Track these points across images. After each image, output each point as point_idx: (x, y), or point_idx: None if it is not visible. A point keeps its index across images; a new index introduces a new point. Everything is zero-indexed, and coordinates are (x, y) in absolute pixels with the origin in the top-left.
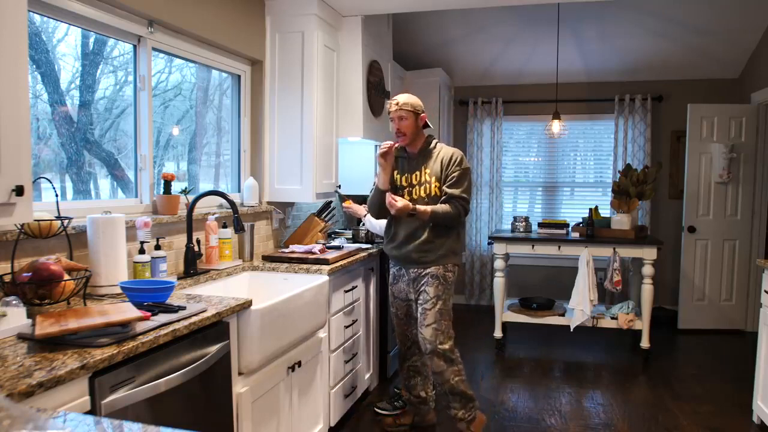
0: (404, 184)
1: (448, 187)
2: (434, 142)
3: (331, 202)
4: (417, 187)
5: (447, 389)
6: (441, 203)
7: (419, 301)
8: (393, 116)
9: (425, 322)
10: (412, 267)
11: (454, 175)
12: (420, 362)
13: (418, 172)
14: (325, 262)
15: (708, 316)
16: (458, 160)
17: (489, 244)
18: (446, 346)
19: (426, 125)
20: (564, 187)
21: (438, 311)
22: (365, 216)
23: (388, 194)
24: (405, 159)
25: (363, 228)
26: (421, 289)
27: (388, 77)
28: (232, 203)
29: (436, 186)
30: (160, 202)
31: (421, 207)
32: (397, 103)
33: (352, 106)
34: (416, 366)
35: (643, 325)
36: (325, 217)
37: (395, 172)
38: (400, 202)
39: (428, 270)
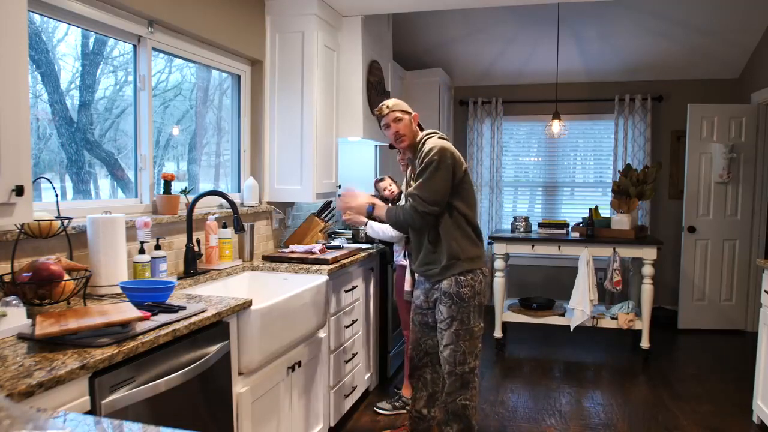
0: (408, 184)
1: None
2: (427, 138)
3: (331, 202)
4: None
5: (450, 408)
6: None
7: (436, 319)
8: (387, 121)
9: (442, 342)
10: (426, 279)
11: (418, 170)
12: (430, 377)
13: (412, 174)
14: (325, 262)
15: (708, 316)
16: (428, 152)
17: (489, 244)
18: (465, 368)
19: (419, 126)
20: (564, 187)
21: (453, 333)
22: (366, 224)
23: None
24: (411, 165)
25: (363, 229)
26: (436, 306)
27: (388, 77)
28: (232, 203)
29: None
30: (160, 202)
31: (380, 204)
32: (388, 106)
33: (352, 106)
34: (425, 379)
35: (643, 325)
36: (325, 217)
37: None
38: (352, 203)
39: (440, 286)
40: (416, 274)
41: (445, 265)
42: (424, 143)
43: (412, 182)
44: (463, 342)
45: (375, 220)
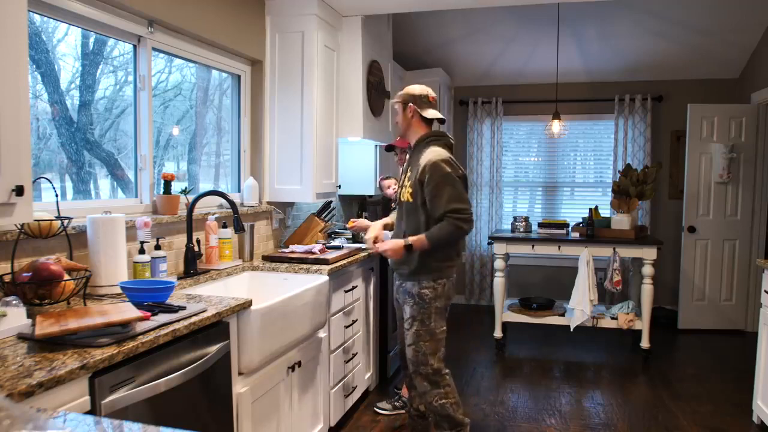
0: (401, 183)
1: (431, 207)
2: (429, 141)
3: (331, 202)
4: (401, 188)
5: (432, 410)
6: (435, 222)
7: (402, 318)
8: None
9: (406, 342)
10: (396, 276)
11: (429, 190)
12: None
13: (408, 173)
14: (325, 262)
15: (708, 316)
16: (430, 170)
17: (489, 244)
18: (428, 369)
19: (426, 119)
20: (564, 187)
21: (415, 333)
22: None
23: (369, 241)
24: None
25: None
26: (402, 305)
27: (388, 77)
28: (232, 203)
29: (408, 192)
30: (160, 202)
31: (413, 238)
32: (395, 96)
33: (352, 106)
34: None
35: (643, 325)
36: (325, 217)
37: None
38: (387, 244)
39: (405, 285)
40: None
41: (413, 269)
42: (428, 149)
43: (404, 174)
44: (423, 342)
45: (413, 251)
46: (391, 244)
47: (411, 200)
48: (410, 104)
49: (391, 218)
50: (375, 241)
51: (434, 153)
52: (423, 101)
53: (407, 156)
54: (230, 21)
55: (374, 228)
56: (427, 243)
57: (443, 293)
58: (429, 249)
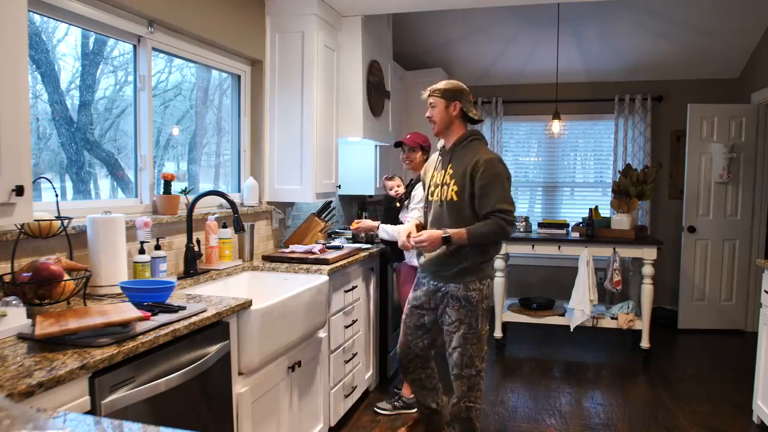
0: (436, 182)
1: (478, 203)
2: (473, 139)
3: (331, 202)
4: (441, 187)
5: (454, 411)
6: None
7: (442, 322)
8: (426, 103)
9: (451, 345)
10: (432, 279)
11: (480, 186)
12: (424, 375)
13: (443, 171)
14: (325, 262)
15: (708, 316)
16: (484, 166)
17: None
18: (472, 371)
19: (469, 118)
20: (564, 187)
21: (462, 336)
22: (378, 228)
23: (403, 236)
24: (440, 155)
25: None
26: (443, 309)
27: (388, 77)
28: (232, 203)
29: (453, 191)
30: (160, 202)
31: (453, 230)
32: (429, 89)
33: (352, 106)
34: (420, 380)
35: (643, 325)
36: (325, 217)
37: (433, 170)
38: (424, 234)
39: (448, 288)
40: (419, 275)
41: (459, 270)
42: (473, 147)
43: (439, 172)
44: (471, 345)
45: (450, 244)
46: (427, 234)
47: (457, 199)
48: (456, 102)
49: (420, 219)
50: (409, 236)
51: (486, 152)
52: (468, 100)
53: (417, 155)
54: (230, 21)
55: (407, 228)
56: (466, 238)
57: (489, 294)
58: (466, 245)
